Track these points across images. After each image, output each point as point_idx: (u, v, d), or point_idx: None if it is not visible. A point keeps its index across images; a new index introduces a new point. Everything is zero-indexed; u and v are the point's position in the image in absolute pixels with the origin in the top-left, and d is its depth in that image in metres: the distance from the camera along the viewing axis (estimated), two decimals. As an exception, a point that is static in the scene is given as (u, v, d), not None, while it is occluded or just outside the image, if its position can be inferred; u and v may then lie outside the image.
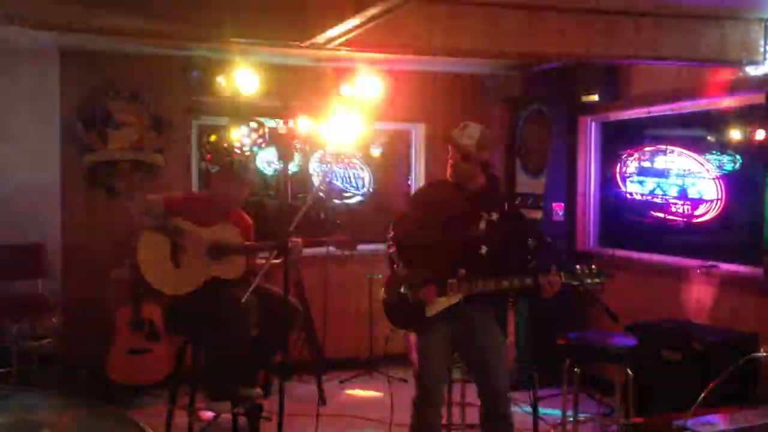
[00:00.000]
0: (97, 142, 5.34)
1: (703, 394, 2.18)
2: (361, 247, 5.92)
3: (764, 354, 2.29)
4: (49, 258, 5.22)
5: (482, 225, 3.48)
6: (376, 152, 6.23)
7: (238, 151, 5.38)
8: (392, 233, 3.62)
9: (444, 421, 3.83)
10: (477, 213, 3.49)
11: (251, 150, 5.36)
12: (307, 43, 3.31)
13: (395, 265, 3.53)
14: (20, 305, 4.98)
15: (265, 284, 4.24)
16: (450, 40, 3.65)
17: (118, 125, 5.37)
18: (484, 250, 3.47)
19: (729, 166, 4.79)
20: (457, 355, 3.64)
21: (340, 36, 3.21)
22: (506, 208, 3.51)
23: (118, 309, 4.96)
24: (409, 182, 6.48)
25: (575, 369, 3.86)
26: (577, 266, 3.42)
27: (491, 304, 3.64)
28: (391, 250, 3.60)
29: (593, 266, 3.42)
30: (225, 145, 5.37)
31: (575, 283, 3.36)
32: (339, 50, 3.52)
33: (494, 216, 3.48)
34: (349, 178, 6.22)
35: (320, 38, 3.24)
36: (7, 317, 4.93)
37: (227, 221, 4.03)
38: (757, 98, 4.41)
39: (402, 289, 3.45)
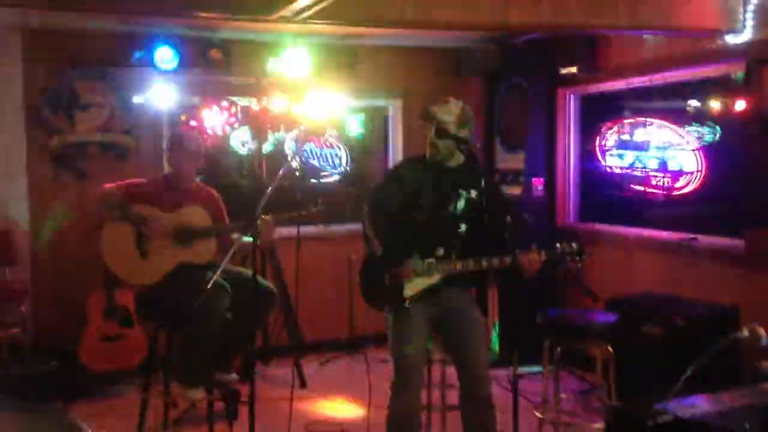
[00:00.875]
0: (65, 124, 5.17)
1: (682, 378, 2.11)
2: (339, 226, 5.89)
3: (746, 334, 2.22)
4: (17, 245, 5.06)
5: (461, 203, 3.40)
6: (352, 129, 6.10)
7: (210, 131, 5.24)
8: (367, 210, 3.52)
9: (424, 402, 3.77)
10: (455, 191, 3.40)
11: (223, 129, 5.21)
12: (276, 16, 3.18)
13: (371, 244, 3.44)
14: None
15: (238, 266, 4.15)
16: (423, 13, 3.53)
17: (86, 106, 5.19)
18: (463, 228, 3.40)
19: (709, 137, 4.73)
20: (437, 337, 3.58)
21: (308, 8, 3.08)
22: (484, 185, 3.42)
23: (90, 295, 4.84)
24: (387, 159, 6.37)
25: (556, 348, 3.80)
26: (558, 244, 3.35)
27: (471, 284, 3.57)
28: (366, 229, 3.51)
29: (573, 244, 3.35)
30: (196, 124, 5.22)
31: (555, 261, 3.30)
32: (307, 23, 3.37)
33: (473, 194, 3.41)
34: (326, 156, 6.09)
35: (288, 11, 3.11)
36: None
37: (195, 203, 3.90)
38: (737, 67, 4.34)
39: (377, 269, 3.36)
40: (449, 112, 3.37)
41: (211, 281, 2.97)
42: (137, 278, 3.79)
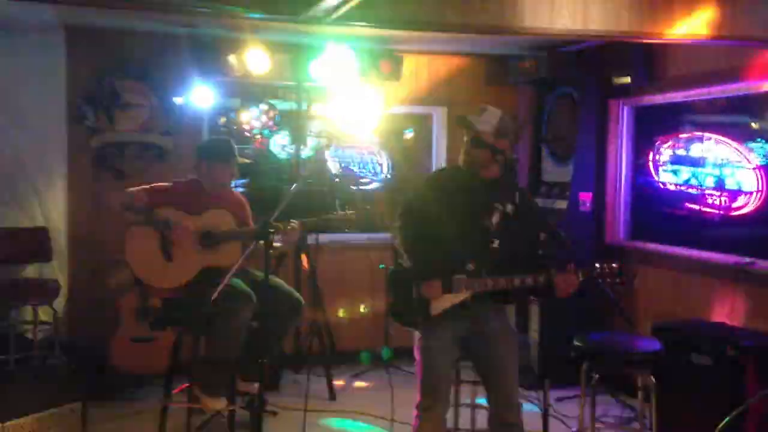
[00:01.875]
0: (105, 124, 5.17)
1: (728, 418, 1.89)
2: (378, 235, 5.75)
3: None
4: (54, 242, 5.06)
5: (495, 217, 3.21)
6: (397, 137, 5.96)
7: (248, 134, 5.17)
8: (399, 223, 3.38)
9: (452, 425, 3.59)
10: (490, 204, 3.22)
11: (261, 133, 5.13)
12: (302, 17, 3.06)
13: (400, 258, 3.29)
14: (22, 290, 4.84)
15: (274, 273, 4.06)
16: (464, 16, 3.36)
17: (126, 105, 5.18)
18: (496, 243, 3.20)
19: (772, 155, 4.43)
20: (466, 357, 3.40)
21: (337, 8, 2.94)
22: (519, 199, 3.23)
23: (123, 295, 4.80)
24: (431, 168, 6.20)
25: (594, 375, 3.56)
26: (597, 265, 3.13)
27: (503, 302, 3.38)
28: (396, 242, 3.36)
29: (614, 265, 3.13)
30: (235, 127, 5.16)
31: (594, 282, 3.09)
32: (346, 25, 3.24)
33: (509, 208, 3.22)
34: (367, 163, 5.96)
35: (316, 11, 2.98)
36: (9, 302, 4.80)
37: (219, 206, 3.82)
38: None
39: (405, 283, 3.21)
40: (487, 122, 3.19)
41: (218, 290, 2.85)
42: (161, 282, 3.73)
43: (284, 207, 3.06)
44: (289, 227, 3.61)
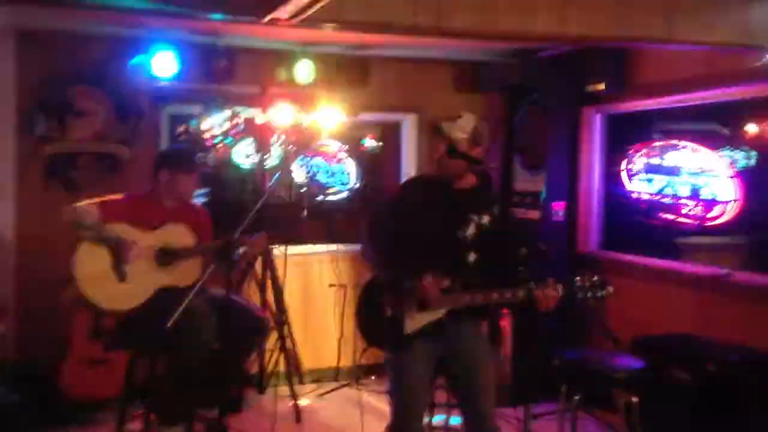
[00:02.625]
0: (56, 132, 4.88)
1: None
2: (346, 246, 5.55)
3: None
4: (1, 259, 4.76)
5: (471, 229, 3.06)
6: (366, 145, 5.77)
7: (209, 143, 4.93)
8: (367, 237, 3.21)
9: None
10: (465, 215, 3.07)
11: (222, 141, 4.90)
12: (267, 18, 2.86)
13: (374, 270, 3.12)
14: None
15: (228, 293, 3.83)
16: (437, 18, 3.19)
17: (79, 113, 4.90)
18: (472, 257, 3.05)
19: (743, 163, 4.36)
20: (442, 376, 3.24)
21: (305, 9, 2.75)
22: (497, 210, 3.07)
23: (75, 316, 4.52)
24: (401, 176, 6.02)
25: (574, 396, 3.41)
26: (578, 278, 2.99)
27: (480, 318, 3.22)
28: (365, 257, 3.19)
29: (595, 277, 2.99)
30: (196, 135, 4.91)
31: (575, 297, 2.94)
32: (306, 28, 3.05)
33: (485, 219, 3.07)
34: (335, 172, 5.76)
35: (282, 12, 2.78)
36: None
37: (177, 221, 3.58)
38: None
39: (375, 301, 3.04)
40: (461, 129, 3.04)
41: (175, 316, 2.63)
42: (114, 304, 3.47)
43: (248, 223, 2.85)
44: (256, 239, 3.39)
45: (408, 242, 3.08)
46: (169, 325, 2.64)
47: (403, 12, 3.13)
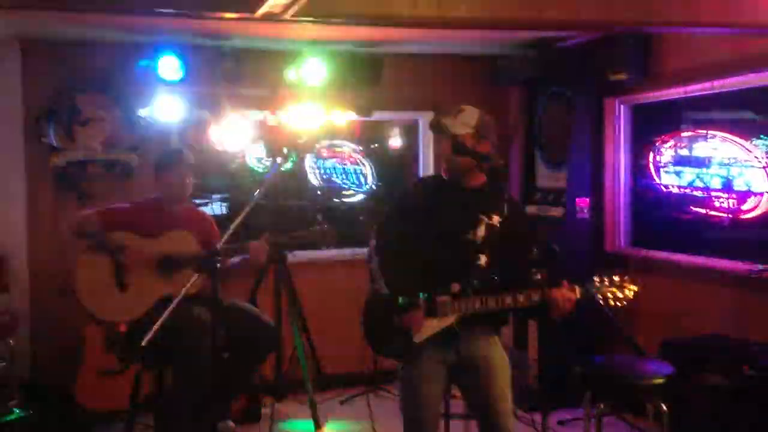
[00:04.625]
0: (65, 141, 4.81)
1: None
2: (363, 249, 5.39)
3: None
4: (13, 271, 4.70)
5: (481, 230, 2.88)
6: (379, 145, 5.62)
7: (220, 148, 4.83)
8: (374, 242, 3.04)
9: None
10: (475, 216, 2.89)
11: (237, 146, 4.78)
12: (260, 12, 2.72)
13: (375, 282, 2.95)
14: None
15: (238, 301, 3.72)
16: (438, 8, 3.02)
17: (87, 121, 4.83)
18: (482, 260, 2.87)
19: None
20: (455, 387, 3.07)
21: (296, 1, 2.60)
22: (507, 209, 2.89)
23: (88, 327, 4.44)
24: (418, 176, 5.86)
25: (600, 403, 3.20)
26: (596, 278, 2.79)
27: (495, 323, 3.03)
28: (371, 264, 3.02)
29: (615, 277, 2.79)
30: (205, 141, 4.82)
31: (593, 299, 2.75)
32: (301, 22, 2.91)
33: (495, 219, 2.88)
34: (350, 174, 5.62)
35: (272, 6, 2.64)
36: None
37: (181, 227, 3.47)
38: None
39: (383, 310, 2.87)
40: (465, 124, 2.87)
41: (156, 325, 2.49)
42: (113, 315, 3.37)
43: (238, 227, 2.71)
44: (253, 247, 3.27)
45: (415, 248, 2.91)
46: (144, 343, 2.50)
47: (402, 1, 2.98)
